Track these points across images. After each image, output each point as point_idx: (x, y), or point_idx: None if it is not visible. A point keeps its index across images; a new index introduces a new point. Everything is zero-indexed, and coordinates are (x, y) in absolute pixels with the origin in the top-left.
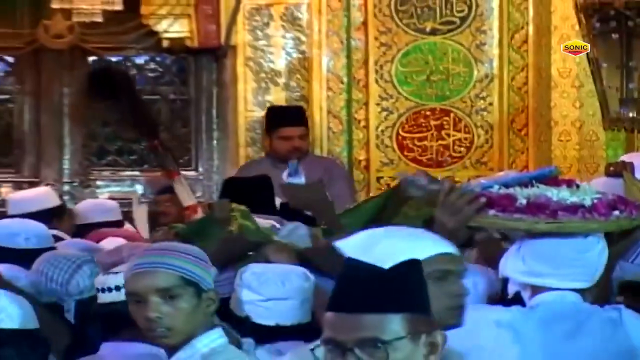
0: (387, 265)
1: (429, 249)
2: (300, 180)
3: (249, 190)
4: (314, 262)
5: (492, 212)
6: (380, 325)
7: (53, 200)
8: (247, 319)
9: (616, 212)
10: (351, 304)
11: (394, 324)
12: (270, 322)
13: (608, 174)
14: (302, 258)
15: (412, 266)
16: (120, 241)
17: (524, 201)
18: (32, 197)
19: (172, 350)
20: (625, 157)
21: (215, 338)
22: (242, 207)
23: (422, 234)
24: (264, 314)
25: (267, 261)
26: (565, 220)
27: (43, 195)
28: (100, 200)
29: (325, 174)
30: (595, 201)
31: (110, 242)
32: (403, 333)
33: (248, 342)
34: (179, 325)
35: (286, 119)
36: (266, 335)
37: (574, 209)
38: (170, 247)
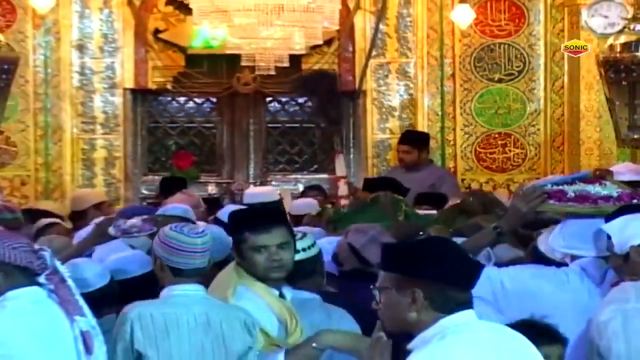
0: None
1: None
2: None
3: (383, 187)
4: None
5: (551, 201)
6: (381, 278)
7: (276, 196)
8: None
9: (635, 200)
10: None
11: (386, 279)
12: None
13: (595, 176)
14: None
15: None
16: None
17: (572, 194)
18: (265, 192)
19: None
20: (613, 167)
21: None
22: (401, 198)
23: None
24: None
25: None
26: (604, 206)
27: (272, 193)
28: (307, 200)
29: (439, 179)
30: (619, 193)
31: None
32: (389, 285)
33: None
34: None
35: (401, 138)
36: None
37: (607, 198)
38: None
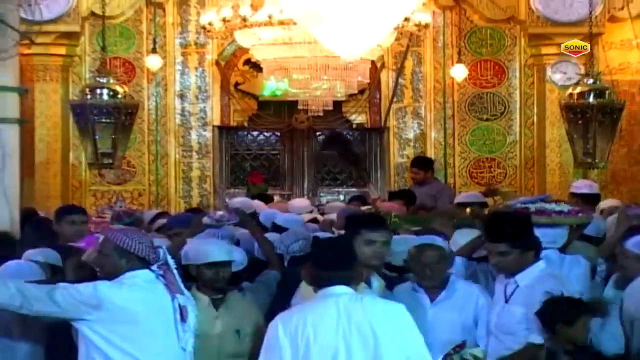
0: None
1: None
2: None
3: (403, 197)
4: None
5: None
6: None
7: (310, 207)
8: None
9: (580, 214)
10: None
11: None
12: None
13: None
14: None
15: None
16: None
17: (534, 209)
18: (306, 205)
19: None
20: (574, 183)
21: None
22: (393, 213)
23: None
24: None
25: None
26: (556, 218)
27: (308, 204)
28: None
29: (439, 192)
30: (569, 209)
31: None
32: None
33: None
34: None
35: (411, 162)
36: None
37: (559, 212)
38: None
